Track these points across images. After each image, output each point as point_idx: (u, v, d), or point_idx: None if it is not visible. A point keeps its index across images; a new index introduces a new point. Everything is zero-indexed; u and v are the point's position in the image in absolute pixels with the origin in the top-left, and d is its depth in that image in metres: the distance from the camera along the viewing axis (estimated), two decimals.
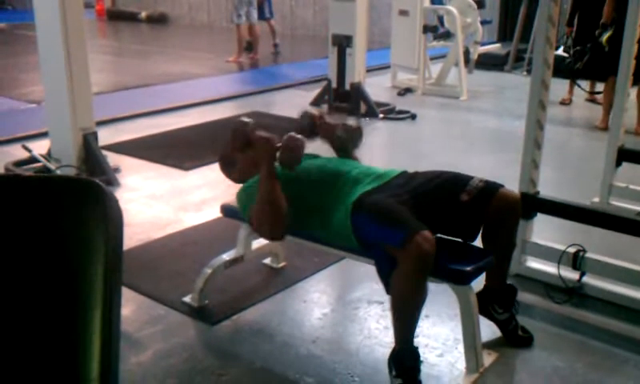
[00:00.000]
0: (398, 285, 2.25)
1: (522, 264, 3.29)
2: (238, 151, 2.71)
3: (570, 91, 7.48)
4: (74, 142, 4.62)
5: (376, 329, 2.85)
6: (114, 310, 1.08)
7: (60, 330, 1.07)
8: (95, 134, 4.77)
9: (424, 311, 2.35)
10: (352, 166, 2.63)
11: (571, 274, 3.11)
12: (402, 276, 2.21)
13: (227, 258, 3.06)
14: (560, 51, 7.05)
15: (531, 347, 2.72)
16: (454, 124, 6.93)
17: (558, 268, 3.12)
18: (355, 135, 2.86)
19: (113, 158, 5.06)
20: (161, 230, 3.92)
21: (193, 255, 3.52)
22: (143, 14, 16.48)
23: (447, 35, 8.28)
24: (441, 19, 8.54)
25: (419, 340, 2.70)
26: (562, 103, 7.45)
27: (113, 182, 4.65)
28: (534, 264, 3.29)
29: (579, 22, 7.13)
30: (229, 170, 2.83)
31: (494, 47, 9.98)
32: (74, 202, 1.12)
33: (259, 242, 3.15)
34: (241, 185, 2.80)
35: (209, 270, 3.01)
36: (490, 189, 2.49)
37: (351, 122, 2.88)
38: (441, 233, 2.52)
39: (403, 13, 8.15)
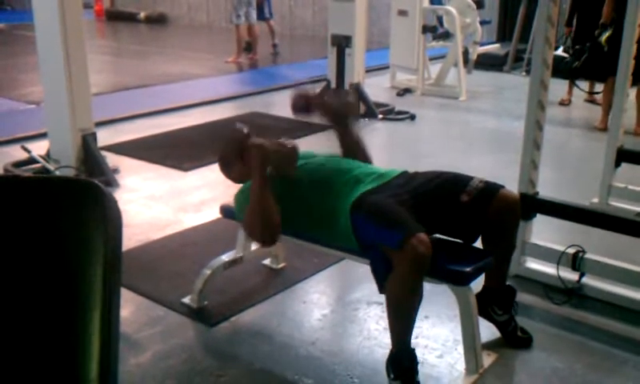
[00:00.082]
0: (394, 287, 2.25)
1: (522, 265, 3.29)
2: (234, 158, 2.71)
3: (569, 92, 7.48)
4: (73, 143, 4.62)
5: (375, 330, 2.85)
6: (113, 311, 1.08)
7: (59, 331, 1.07)
8: (94, 135, 4.77)
9: (423, 312, 2.35)
10: (353, 166, 2.63)
11: (570, 275, 3.11)
12: (397, 278, 2.21)
13: (226, 259, 3.06)
14: (560, 51, 7.05)
15: (530, 348, 2.72)
16: (453, 124, 6.93)
17: (558, 269, 3.11)
18: (350, 105, 2.84)
19: (112, 159, 5.06)
20: (160, 231, 3.92)
21: (192, 256, 3.51)
22: (142, 15, 16.47)
23: (446, 35, 8.28)
24: (440, 19, 8.54)
25: (418, 341, 2.70)
26: (562, 104, 7.45)
27: (112, 183, 4.65)
28: (534, 265, 3.29)
29: (578, 22, 7.14)
30: (228, 171, 2.83)
31: (493, 47, 9.98)
32: (72, 203, 1.12)
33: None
34: (240, 185, 2.80)
35: (208, 271, 3.00)
36: (490, 189, 2.49)
37: (346, 94, 2.88)
38: (440, 233, 2.52)
39: (402, 13, 8.15)
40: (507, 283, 2.74)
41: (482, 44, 8.86)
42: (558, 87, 6.87)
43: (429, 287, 2.29)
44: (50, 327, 1.07)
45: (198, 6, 16.24)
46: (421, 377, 2.38)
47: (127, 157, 5.36)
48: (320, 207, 2.51)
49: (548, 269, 3.20)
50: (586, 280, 3.09)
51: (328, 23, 7.04)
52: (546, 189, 3.42)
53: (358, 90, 6.84)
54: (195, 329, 2.92)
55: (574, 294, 3.07)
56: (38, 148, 4.92)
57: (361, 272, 3.15)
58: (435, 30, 8.35)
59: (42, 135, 5.12)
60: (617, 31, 5.17)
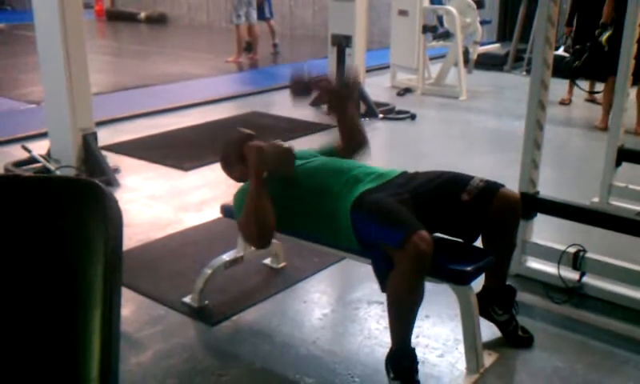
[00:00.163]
0: (395, 285, 2.24)
1: (522, 264, 3.29)
2: (235, 158, 2.71)
3: (570, 91, 7.48)
4: (73, 143, 4.62)
5: (376, 329, 2.85)
6: (114, 310, 1.08)
7: (60, 330, 1.07)
8: (95, 135, 4.77)
9: (424, 311, 2.35)
10: (352, 166, 2.63)
11: (571, 274, 3.11)
12: (398, 276, 2.21)
13: (227, 259, 3.06)
14: (561, 51, 7.06)
15: (531, 347, 2.72)
16: (453, 124, 6.93)
17: (558, 268, 3.11)
18: (349, 86, 2.84)
19: (112, 159, 5.06)
20: (161, 231, 3.92)
21: (193, 255, 3.51)
22: (142, 15, 16.48)
23: (446, 35, 8.28)
24: (440, 19, 8.54)
25: (419, 340, 2.70)
26: (562, 103, 7.45)
27: (112, 183, 4.65)
28: (534, 264, 3.29)
29: (578, 22, 7.14)
30: (230, 170, 2.83)
31: (494, 47, 9.98)
32: (73, 203, 1.12)
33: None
34: (241, 184, 2.80)
35: (209, 271, 3.00)
36: (491, 189, 2.49)
37: (345, 76, 2.87)
38: (441, 233, 2.52)
39: (402, 13, 8.15)
40: (507, 283, 2.74)
41: (483, 44, 8.86)
42: (559, 87, 6.88)
43: (429, 287, 2.29)
44: (51, 326, 1.07)
45: (198, 6, 16.24)
46: (421, 376, 2.38)
47: (128, 156, 5.36)
48: (320, 207, 2.51)
49: (549, 268, 3.20)
50: (586, 279, 3.09)
51: (328, 23, 7.03)
52: (547, 188, 3.42)
53: (358, 89, 6.84)
54: (196, 328, 2.92)
55: (574, 294, 3.07)
56: (39, 148, 4.93)
57: (361, 271, 3.15)
58: (435, 30, 8.35)
59: (43, 135, 5.13)
60: (617, 31, 5.17)
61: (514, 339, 2.73)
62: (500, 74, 9.44)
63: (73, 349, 1.06)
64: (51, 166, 4.66)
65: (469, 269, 2.37)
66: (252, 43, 10.55)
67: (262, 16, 10.73)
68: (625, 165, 4.11)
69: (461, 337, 2.54)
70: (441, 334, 2.81)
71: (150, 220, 4.09)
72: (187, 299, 3.04)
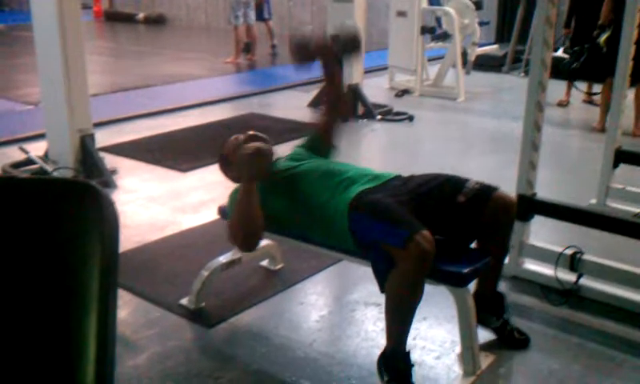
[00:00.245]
0: (396, 285, 2.24)
1: (519, 266, 3.29)
2: (232, 159, 2.70)
3: (568, 93, 7.49)
4: (71, 144, 4.62)
5: (373, 331, 2.85)
6: (110, 313, 1.08)
7: (55, 333, 1.07)
8: (92, 136, 4.77)
9: (421, 313, 2.35)
10: (347, 168, 2.63)
11: (568, 276, 3.11)
12: (400, 276, 2.21)
13: (224, 261, 3.06)
14: (560, 53, 7.06)
15: (528, 349, 2.72)
16: (451, 125, 6.93)
17: (555, 270, 3.12)
18: (352, 39, 2.82)
19: (110, 160, 5.05)
20: (158, 232, 3.92)
21: (190, 257, 3.51)
22: (141, 16, 16.47)
23: (445, 36, 8.29)
24: (438, 20, 8.55)
25: (416, 342, 2.70)
26: (560, 105, 7.45)
27: (110, 184, 4.65)
28: (531, 266, 3.29)
29: (576, 24, 7.15)
30: (226, 171, 2.83)
31: (492, 48, 9.99)
32: (69, 205, 1.12)
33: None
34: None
35: (206, 273, 3.00)
36: (486, 191, 2.50)
37: (347, 25, 2.85)
38: (437, 234, 2.52)
39: (401, 14, 8.16)
40: (498, 289, 2.75)
41: (481, 45, 8.87)
42: (556, 88, 6.88)
43: (427, 289, 2.28)
44: (47, 329, 1.07)
45: (197, 7, 16.24)
46: (418, 378, 2.38)
47: (125, 158, 5.36)
48: (314, 208, 2.51)
49: (546, 270, 3.20)
50: (583, 281, 3.09)
51: (327, 24, 7.03)
52: (544, 190, 3.42)
53: (356, 90, 6.85)
54: (193, 330, 2.92)
55: (571, 295, 3.07)
56: (36, 149, 4.92)
57: (358, 273, 3.15)
58: (434, 31, 8.36)
59: (41, 136, 5.12)
60: (615, 32, 5.17)
61: (511, 341, 2.73)
62: (498, 76, 9.45)
63: (68, 351, 1.06)
64: (48, 168, 4.66)
65: (466, 271, 2.37)
66: (250, 44, 10.56)
67: (260, 17, 10.74)
68: (622, 166, 4.12)
69: (457, 339, 2.54)
70: (437, 335, 2.81)
71: (147, 221, 4.09)
72: (184, 301, 3.04)
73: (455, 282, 2.39)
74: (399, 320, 2.33)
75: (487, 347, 2.69)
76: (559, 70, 6.23)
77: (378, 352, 2.45)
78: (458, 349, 2.62)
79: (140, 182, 4.85)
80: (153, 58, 11.17)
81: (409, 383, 2.32)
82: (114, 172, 4.90)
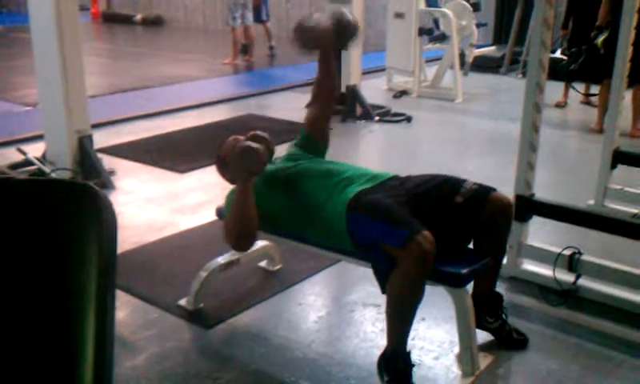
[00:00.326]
0: (397, 285, 2.23)
1: (518, 266, 3.30)
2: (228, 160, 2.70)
3: (565, 94, 7.50)
4: (69, 145, 4.61)
5: (372, 332, 2.85)
6: (108, 313, 1.08)
7: (53, 334, 1.07)
8: (90, 137, 4.76)
9: (420, 314, 2.35)
10: (344, 168, 2.63)
11: (567, 277, 3.11)
12: (401, 276, 2.20)
13: (223, 261, 3.06)
14: (558, 54, 7.07)
15: (526, 349, 2.72)
16: (449, 126, 6.94)
17: (554, 270, 3.12)
18: (349, 27, 2.80)
19: (108, 161, 5.05)
20: (156, 233, 3.91)
21: (188, 258, 3.51)
22: (138, 17, 16.47)
23: (442, 38, 8.31)
24: (436, 22, 8.56)
25: (415, 343, 2.70)
26: (557, 106, 7.46)
27: (108, 185, 4.65)
28: (530, 266, 3.29)
29: (574, 25, 7.16)
30: (223, 172, 2.83)
31: (490, 50, 9.99)
32: (67, 206, 1.12)
33: (254, 245, 3.14)
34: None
35: (204, 274, 3.00)
36: (483, 192, 2.50)
37: (344, 13, 2.84)
38: (435, 235, 2.52)
39: (399, 15, 8.16)
40: (498, 287, 2.75)
41: (478, 46, 8.87)
42: (554, 89, 6.89)
43: (425, 289, 2.28)
44: (45, 330, 1.07)
45: (194, 9, 16.23)
46: (417, 379, 2.38)
47: (123, 159, 5.35)
48: (312, 208, 2.51)
49: (544, 270, 3.20)
50: (582, 281, 3.09)
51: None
52: (542, 190, 3.42)
53: (354, 92, 6.85)
54: (191, 331, 2.91)
55: (570, 296, 3.07)
56: (35, 150, 4.91)
57: (357, 274, 3.15)
58: (431, 33, 8.36)
59: (39, 137, 5.12)
60: (613, 34, 5.18)
61: (509, 342, 2.73)
62: (496, 77, 9.46)
63: (67, 352, 1.06)
64: (46, 169, 4.65)
65: (464, 271, 2.37)
66: (248, 46, 10.56)
67: (258, 18, 10.75)
68: (620, 167, 4.12)
69: (456, 339, 2.54)
70: (436, 336, 2.81)
71: (145, 222, 4.09)
72: (182, 302, 3.04)
73: (454, 282, 2.39)
74: (400, 320, 2.33)
75: (486, 348, 2.69)
76: (557, 72, 6.23)
77: (376, 352, 2.45)
78: (456, 349, 2.61)
79: (138, 183, 4.85)
80: (150, 60, 11.17)
81: (409, 382, 2.32)
82: (111, 173, 4.90)
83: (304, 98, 7.33)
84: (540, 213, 3.29)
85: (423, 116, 7.18)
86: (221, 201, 2.81)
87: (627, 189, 4.16)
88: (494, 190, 2.53)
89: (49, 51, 4.45)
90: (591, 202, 4.13)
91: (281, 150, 2.83)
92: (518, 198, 3.19)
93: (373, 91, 7.79)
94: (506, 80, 9.31)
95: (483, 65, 9.39)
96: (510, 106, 7.32)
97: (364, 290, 3.14)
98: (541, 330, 2.88)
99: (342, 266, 3.28)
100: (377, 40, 11.46)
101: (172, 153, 5.56)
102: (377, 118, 6.86)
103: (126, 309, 3.02)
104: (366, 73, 8.21)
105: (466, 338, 2.47)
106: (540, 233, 3.47)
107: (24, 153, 4.84)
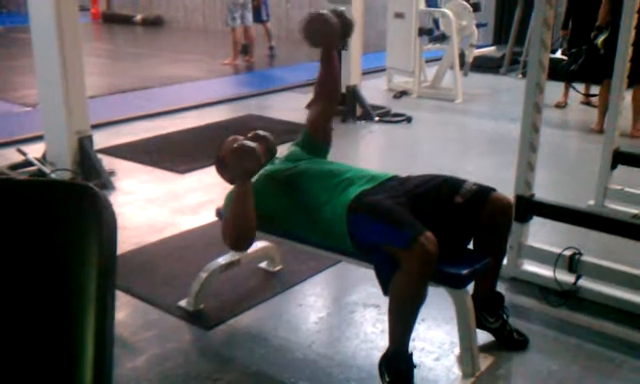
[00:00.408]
0: (400, 286, 2.23)
1: (518, 267, 3.29)
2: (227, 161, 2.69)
3: (565, 94, 7.50)
4: (69, 146, 4.61)
5: (372, 333, 2.85)
6: (108, 314, 1.08)
7: (53, 335, 1.07)
8: (90, 138, 4.76)
9: (420, 315, 2.34)
10: (344, 169, 2.63)
11: (567, 277, 3.11)
12: (404, 277, 2.20)
13: (223, 262, 3.05)
14: (558, 54, 7.07)
15: (527, 350, 2.72)
16: (449, 127, 6.94)
17: (554, 271, 3.12)
18: (350, 25, 2.83)
19: (108, 162, 5.05)
20: (156, 234, 3.91)
21: (188, 259, 3.51)
22: (138, 17, 16.46)
23: (442, 38, 8.31)
24: (436, 22, 8.56)
25: (415, 344, 2.70)
26: (558, 106, 7.46)
27: (108, 186, 4.65)
28: (530, 267, 3.29)
29: (574, 25, 7.16)
30: (222, 172, 2.83)
31: (490, 50, 9.99)
32: (67, 207, 1.12)
33: (255, 246, 3.14)
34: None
35: (204, 274, 3.00)
36: (483, 192, 2.50)
37: (342, 13, 2.85)
38: (436, 236, 2.52)
39: (399, 16, 8.16)
40: (499, 287, 2.75)
41: (478, 46, 8.87)
42: (554, 89, 6.89)
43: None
44: (44, 331, 1.07)
45: (194, 9, 16.23)
46: (417, 380, 2.38)
47: (123, 159, 5.35)
48: (312, 209, 2.51)
49: (544, 271, 3.20)
50: (582, 282, 3.09)
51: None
52: (543, 191, 3.42)
53: (354, 92, 6.85)
54: (191, 332, 2.91)
55: (570, 296, 3.07)
56: (35, 151, 4.91)
57: (357, 274, 3.15)
58: (431, 33, 8.36)
59: (39, 138, 5.12)
60: (613, 34, 5.18)
61: (510, 342, 2.73)
62: (496, 77, 9.46)
63: (66, 353, 1.06)
64: (46, 169, 4.65)
65: (464, 272, 2.37)
66: (248, 46, 10.56)
67: (258, 18, 10.74)
68: (620, 167, 4.12)
69: (456, 340, 2.54)
70: (436, 337, 2.80)
71: (145, 223, 4.08)
72: (183, 303, 3.03)
73: (454, 283, 2.39)
74: (402, 321, 2.32)
75: (486, 348, 2.69)
76: (557, 72, 6.24)
77: (377, 353, 2.45)
78: (457, 350, 2.61)
79: (138, 184, 4.84)
80: (150, 60, 11.17)
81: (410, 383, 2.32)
82: (111, 174, 4.90)
83: (304, 98, 7.35)
84: (540, 213, 3.29)
85: (423, 116, 7.18)
86: (221, 201, 2.80)
87: (627, 189, 4.16)
88: (494, 190, 2.53)
89: (49, 52, 4.45)
90: (591, 202, 4.13)
91: (281, 151, 2.83)
92: (518, 198, 3.19)
93: (373, 91, 7.78)
94: (506, 80, 9.31)
95: (483, 65, 9.39)
96: (510, 106, 7.32)
97: (364, 291, 3.14)
98: (541, 331, 2.88)
99: (343, 266, 3.28)
100: (377, 40, 11.45)
101: (172, 153, 5.55)
102: (377, 118, 6.86)
103: (126, 309, 3.02)
104: (366, 73, 8.20)
105: (466, 338, 2.47)
106: (540, 233, 3.46)
107: (24, 153, 4.84)
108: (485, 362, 2.60)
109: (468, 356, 2.49)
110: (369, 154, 6.19)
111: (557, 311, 3.02)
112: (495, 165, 5.13)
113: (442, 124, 7.09)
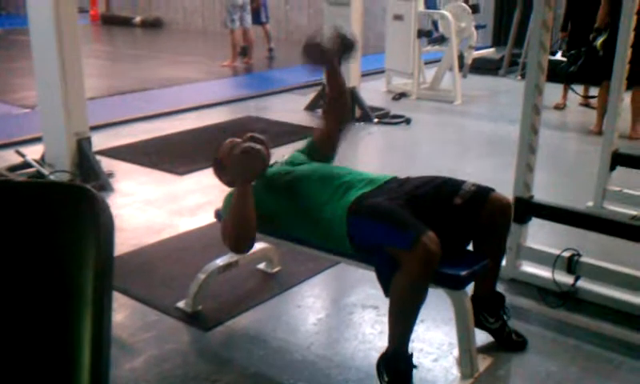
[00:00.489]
0: (401, 287, 2.23)
1: (517, 268, 3.29)
2: (225, 163, 2.69)
3: (564, 96, 7.50)
4: (67, 147, 4.61)
5: (371, 334, 2.84)
6: (105, 316, 1.07)
7: (50, 336, 1.06)
8: (89, 139, 4.76)
9: (419, 316, 2.34)
10: (343, 172, 2.63)
11: (566, 278, 3.11)
12: (406, 277, 2.20)
13: (221, 263, 3.05)
14: (558, 56, 7.08)
15: (525, 351, 2.72)
16: (448, 128, 6.94)
17: (553, 272, 3.12)
18: (351, 42, 2.83)
19: (107, 163, 5.05)
20: (155, 235, 3.91)
21: (187, 260, 3.50)
22: (137, 19, 16.47)
23: (441, 40, 8.31)
24: (435, 24, 8.57)
25: (414, 345, 2.69)
26: (556, 108, 7.46)
27: (106, 187, 4.64)
28: (529, 268, 3.29)
29: (573, 27, 7.16)
30: (221, 175, 2.83)
31: (489, 52, 9.99)
32: (64, 208, 1.11)
33: (254, 247, 3.13)
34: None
35: (203, 276, 2.99)
36: (482, 193, 2.50)
37: (345, 32, 2.86)
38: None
39: (398, 17, 8.16)
40: (500, 288, 2.75)
41: (477, 48, 8.88)
42: (553, 91, 6.89)
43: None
44: (41, 332, 1.07)
45: (194, 11, 16.24)
46: (416, 381, 2.37)
47: (122, 161, 5.35)
48: (312, 211, 2.51)
49: (543, 272, 3.20)
50: (581, 283, 3.09)
51: (323, 27, 7.03)
52: (541, 192, 3.42)
53: (353, 94, 6.85)
54: (190, 333, 2.91)
55: (569, 298, 3.07)
56: (33, 152, 4.91)
57: (356, 276, 3.15)
58: (430, 35, 8.37)
59: (37, 139, 5.12)
60: (612, 36, 5.18)
61: (509, 343, 2.73)
62: (495, 79, 9.46)
63: (63, 355, 1.05)
64: (45, 171, 4.65)
65: (463, 273, 2.37)
66: (247, 48, 10.56)
67: (257, 20, 10.75)
68: (619, 169, 4.12)
69: (455, 341, 2.53)
70: (435, 338, 2.80)
71: (143, 224, 4.08)
72: (181, 304, 3.03)
73: (453, 284, 2.39)
74: (403, 321, 2.32)
75: (485, 350, 2.69)
76: (556, 73, 6.23)
77: (375, 354, 2.45)
78: (455, 351, 2.61)
79: (137, 186, 4.84)
80: (150, 62, 11.17)
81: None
82: (110, 175, 4.90)
83: (303, 100, 7.37)
84: (539, 215, 3.29)
85: (422, 118, 7.18)
86: (220, 203, 2.81)
87: (626, 190, 4.16)
88: (493, 190, 2.53)
89: (48, 53, 4.45)
90: (590, 203, 4.13)
91: (281, 152, 2.83)
92: (517, 199, 3.19)
93: (372, 93, 7.79)
94: (504, 82, 9.31)
95: (482, 67, 9.40)
96: (509, 107, 7.33)
97: (363, 292, 3.14)
98: (540, 332, 2.88)
99: (341, 268, 3.28)
100: (376, 42, 11.47)
101: (171, 155, 5.55)
102: (376, 119, 6.86)
103: (124, 311, 3.02)
104: (365, 75, 8.21)
105: (465, 340, 2.47)
106: (539, 235, 3.46)
107: (22, 155, 4.84)
108: (483, 362, 2.60)
109: (467, 357, 2.48)
110: (368, 155, 6.19)
111: (555, 312, 3.02)
112: (494, 166, 5.13)
113: (441, 125, 7.09)
